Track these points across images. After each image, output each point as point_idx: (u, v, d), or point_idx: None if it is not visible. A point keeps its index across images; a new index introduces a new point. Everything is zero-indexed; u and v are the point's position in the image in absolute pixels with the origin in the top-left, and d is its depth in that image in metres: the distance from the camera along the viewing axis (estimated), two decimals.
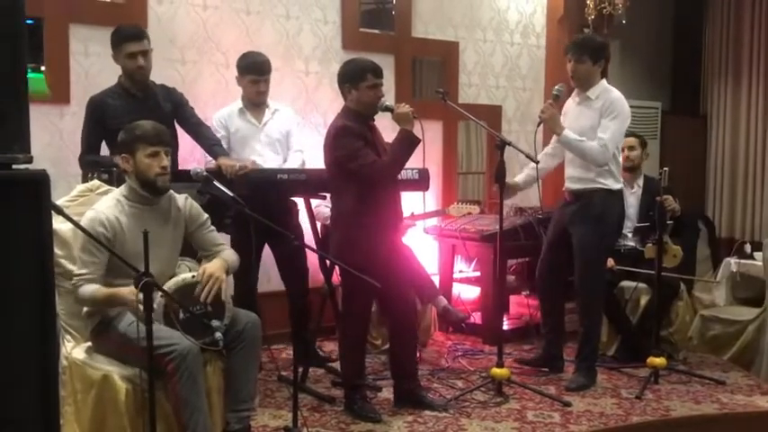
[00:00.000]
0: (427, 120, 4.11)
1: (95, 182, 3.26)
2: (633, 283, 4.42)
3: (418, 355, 4.01)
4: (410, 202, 4.26)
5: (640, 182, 4.67)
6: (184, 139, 3.93)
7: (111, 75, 3.80)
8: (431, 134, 4.25)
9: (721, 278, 5.12)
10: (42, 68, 4.01)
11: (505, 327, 4.90)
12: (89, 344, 2.96)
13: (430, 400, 3.66)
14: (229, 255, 3.05)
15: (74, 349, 2.96)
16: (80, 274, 2.77)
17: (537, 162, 3.91)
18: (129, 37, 3.66)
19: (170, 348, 2.64)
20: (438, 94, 3.77)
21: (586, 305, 4.02)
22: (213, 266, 2.89)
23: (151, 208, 2.92)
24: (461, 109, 3.97)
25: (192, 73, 4.46)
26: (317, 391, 3.81)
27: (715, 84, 6.89)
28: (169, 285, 2.76)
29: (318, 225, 4.16)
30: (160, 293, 2.61)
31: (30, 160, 1.55)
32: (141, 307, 2.44)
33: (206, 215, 3.09)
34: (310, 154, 4.22)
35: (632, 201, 4.61)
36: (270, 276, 4.26)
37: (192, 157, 4.16)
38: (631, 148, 4.59)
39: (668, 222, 4.26)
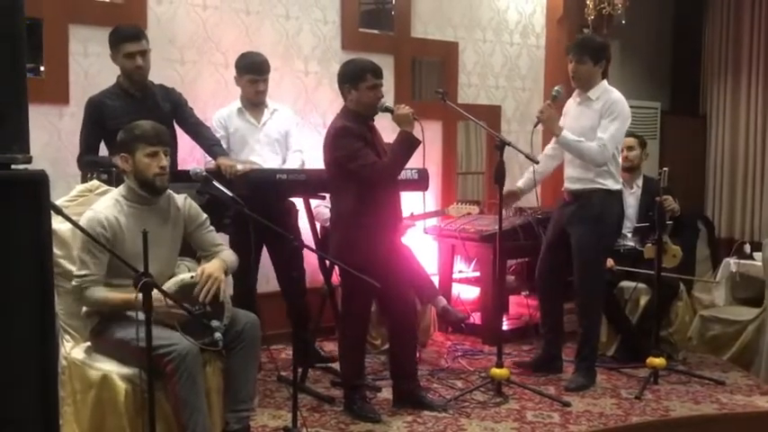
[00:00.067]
0: (427, 120, 4.12)
1: (94, 182, 3.26)
2: (633, 284, 4.42)
3: (418, 355, 4.01)
4: (410, 202, 4.26)
5: (640, 182, 4.67)
6: (184, 140, 3.93)
7: (111, 75, 3.79)
8: (430, 134, 4.25)
9: (721, 278, 5.12)
10: (42, 68, 4.01)
11: (505, 327, 4.90)
12: (88, 344, 2.96)
13: (429, 400, 3.66)
14: (228, 255, 3.05)
15: (73, 349, 2.96)
16: (83, 276, 2.76)
17: (536, 162, 3.92)
18: (128, 37, 3.65)
19: (169, 349, 2.63)
20: (437, 95, 3.77)
21: (585, 305, 4.02)
22: (212, 267, 2.89)
23: (150, 208, 2.92)
24: (461, 109, 3.97)
25: (192, 73, 4.45)
26: (316, 392, 3.81)
27: (714, 84, 6.89)
28: (168, 285, 2.76)
29: (318, 226, 4.16)
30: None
31: (29, 160, 1.55)
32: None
33: (205, 215, 3.09)
34: (310, 154, 4.22)
35: (631, 201, 4.61)
36: (269, 277, 4.26)
37: (191, 157, 4.16)
38: (630, 148, 4.59)
39: (668, 222, 4.26)
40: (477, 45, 5.73)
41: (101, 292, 2.78)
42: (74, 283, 2.78)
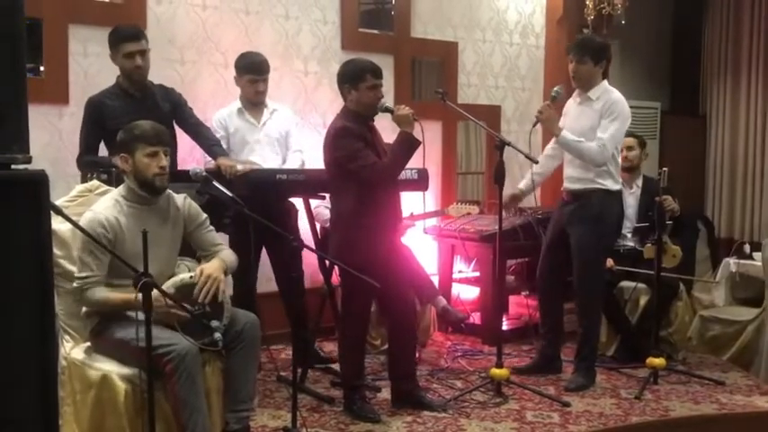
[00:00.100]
0: (426, 120, 4.12)
1: (94, 182, 3.26)
2: (632, 284, 4.42)
3: (417, 355, 4.01)
4: (409, 202, 4.26)
5: (639, 182, 4.67)
6: (184, 140, 3.93)
7: (110, 75, 3.79)
8: (430, 134, 4.25)
9: (720, 278, 5.13)
10: (42, 68, 4.01)
11: (505, 327, 4.90)
12: (88, 344, 2.96)
13: (429, 400, 3.66)
14: (228, 255, 3.05)
15: (73, 349, 2.96)
16: (84, 277, 2.76)
17: (536, 162, 3.92)
18: (127, 37, 3.65)
19: (169, 349, 2.63)
20: (437, 95, 3.77)
21: (585, 305, 4.02)
22: (211, 267, 2.89)
23: (150, 208, 2.92)
24: (460, 109, 3.97)
25: (192, 73, 4.45)
26: (316, 392, 3.81)
27: (714, 84, 6.89)
28: (168, 285, 2.76)
29: (318, 226, 4.16)
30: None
31: (29, 160, 1.55)
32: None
33: (205, 215, 3.09)
34: (309, 154, 4.22)
35: (631, 201, 4.60)
36: (269, 277, 4.26)
37: (191, 157, 4.16)
38: (630, 148, 4.58)
39: (667, 222, 4.26)
40: (477, 45, 5.73)
41: (101, 293, 2.78)
42: (75, 284, 2.78)
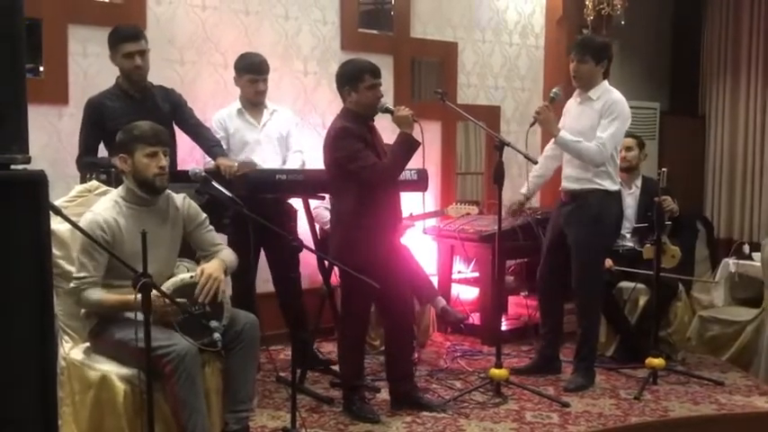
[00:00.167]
0: (426, 120, 4.11)
1: (94, 182, 3.26)
2: (632, 284, 4.42)
3: (417, 355, 4.01)
4: (409, 202, 4.26)
5: (638, 182, 4.67)
6: (183, 140, 3.93)
7: (110, 75, 3.79)
8: (430, 135, 4.26)
9: (720, 279, 5.13)
10: (41, 69, 4.01)
11: (504, 327, 4.90)
12: (87, 344, 2.96)
13: (427, 400, 3.66)
14: (228, 255, 3.05)
15: (72, 350, 2.96)
16: (81, 278, 2.77)
17: (535, 162, 3.93)
18: (126, 37, 3.65)
19: (168, 349, 2.63)
20: (437, 95, 3.77)
21: (584, 306, 4.02)
22: (211, 267, 2.89)
23: (149, 209, 2.92)
24: (460, 109, 3.98)
25: (191, 73, 4.45)
26: (315, 392, 3.81)
27: (714, 84, 6.89)
28: (167, 286, 2.76)
29: (317, 227, 4.16)
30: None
31: (28, 161, 1.55)
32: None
33: (204, 215, 3.09)
34: (309, 155, 4.22)
35: (630, 201, 4.60)
36: (267, 277, 4.26)
37: (191, 157, 4.16)
38: (629, 148, 4.58)
39: (667, 223, 4.26)
40: (477, 45, 5.73)
41: (98, 294, 2.77)
42: (72, 284, 2.79)
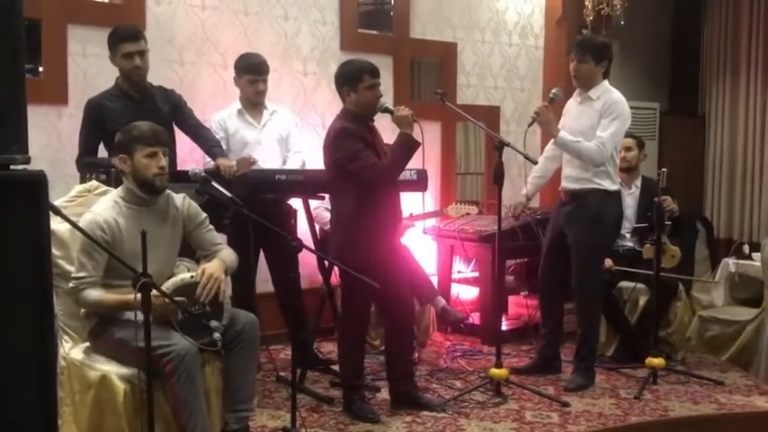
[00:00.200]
0: (426, 120, 4.12)
1: (93, 182, 3.26)
2: (632, 284, 4.42)
3: (417, 355, 4.01)
4: (409, 202, 4.26)
5: (638, 182, 4.67)
6: (183, 140, 3.93)
7: (110, 76, 3.79)
8: (429, 135, 4.26)
9: (720, 278, 5.13)
10: (40, 69, 4.01)
11: (504, 327, 4.91)
12: (87, 344, 2.96)
13: (427, 400, 3.66)
14: (228, 254, 3.05)
15: (72, 350, 2.96)
16: (80, 277, 2.77)
17: (535, 162, 3.93)
18: (126, 37, 3.65)
19: (168, 349, 2.64)
20: (436, 95, 3.77)
21: (584, 305, 4.02)
22: (213, 266, 2.89)
23: (149, 209, 2.92)
24: (460, 110, 3.98)
25: (191, 74, 4.46)
26: (315, 392, 3.81)
27: (713, 84, 6.90)
28: (167, 286, 2.76)
29: (317, 228, 4.16)
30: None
31: (28, 161, 1.55)
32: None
33: (204, 214, 3.09)
34: (308, 155, 4.22)
35: (630, 201, 4.60)
36: (267, 277, 4.26)
37: (190, 157, 4.16)
38: (628, 149, 4.59)
39: (666, 223, 4.26)
40: (476, 46, 5.73)
41: (97, 294, 2.77)
42: (71, 284, 2.79)
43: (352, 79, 3.41)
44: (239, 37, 4.59)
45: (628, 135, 4.46)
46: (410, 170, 3.73)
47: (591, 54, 3.89)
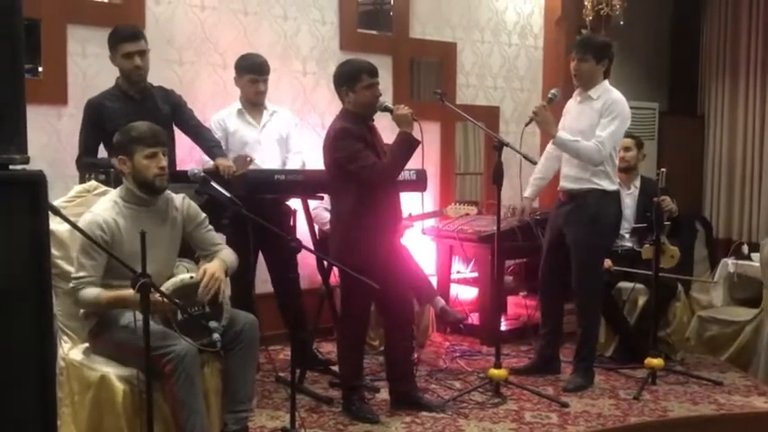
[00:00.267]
0: (425, 121, 4.10)
1: (93, 183, 3.25)
2: (631, 284, 4.42)
3: (416, 356, 4.01)
4: (408, 202, 4.26)
5: (637, 183, 4.67)
6: (183, 141, 3.93)
7: (109, 76, 3.79)
8: (429, 135, 4.25)
9: (719, 279, 5.13)
10: (40, 69, 4.01)
11: (503, 327, 4.90)
12: (86, 345, 2.96)
13: (427, 400, 3.66)
14: (228, 255, 3.05)
15: (71, 350, 2.96)
16: (79, 277, 2.77)
17: (534, 163, 3.93)
18: (126, 37, 3.65)
19: (168, 350, 2.64)
20: (436, 95, 3.77)
21: (584, 306, 4.02)
22: (213, 266, 2.89)
23: (148, 209, 2.92)
24: (459, 110, 3.98)
25: (190, 74, 4.45)
26: (314, 392, 3.81)
27: (713, 84, 6.90)
28: (167, 286, 2.76)
29: (316, 228, 4.16)
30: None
31: (27, 161, 1.55)
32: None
33: (204, 214, 3.09)
34: (308, 155, 4.22)
35: (629, 202, 4.60)
36: (267, 277, 4.26)
37: (190, 157, 4.16)
38: (627, 149, 4.59)
39: (665, 223, 4.26)
40: (476, 46, 5.73)
41: (95, 292, 2.77)
42: (70, 285, 2.79)
43: (350, 79, 3.40)
44: (239, 37, 4.59)
45: (627, 135, 4.46)
46: (409, 170, 3.74)
47: (592, 53, 3.89)
